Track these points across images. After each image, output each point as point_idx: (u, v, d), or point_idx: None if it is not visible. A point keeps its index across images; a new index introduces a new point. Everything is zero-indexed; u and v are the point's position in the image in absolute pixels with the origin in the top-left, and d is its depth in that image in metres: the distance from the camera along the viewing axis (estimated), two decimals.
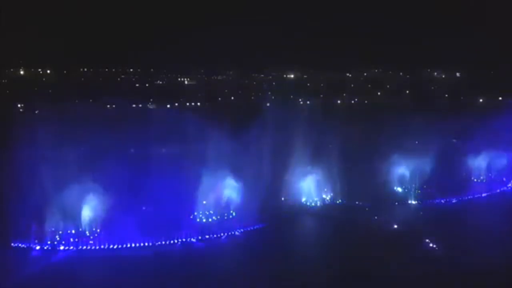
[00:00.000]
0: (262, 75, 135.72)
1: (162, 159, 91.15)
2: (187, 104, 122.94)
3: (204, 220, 75.29)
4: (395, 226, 74.15)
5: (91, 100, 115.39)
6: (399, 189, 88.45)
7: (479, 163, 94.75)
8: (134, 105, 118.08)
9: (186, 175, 79.62)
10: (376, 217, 77.32)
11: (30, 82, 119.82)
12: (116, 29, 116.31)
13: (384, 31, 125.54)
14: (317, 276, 58.49)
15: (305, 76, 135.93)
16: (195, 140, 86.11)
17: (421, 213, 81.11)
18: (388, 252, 64.06)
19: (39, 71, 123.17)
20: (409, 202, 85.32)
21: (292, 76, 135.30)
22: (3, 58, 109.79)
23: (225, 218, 75.87)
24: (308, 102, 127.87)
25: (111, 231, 68.50)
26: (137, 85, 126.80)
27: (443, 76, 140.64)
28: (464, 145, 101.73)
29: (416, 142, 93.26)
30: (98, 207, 70.33)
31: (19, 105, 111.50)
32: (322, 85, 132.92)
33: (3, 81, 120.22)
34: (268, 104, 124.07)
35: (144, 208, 77.00)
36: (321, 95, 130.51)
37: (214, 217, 75.92)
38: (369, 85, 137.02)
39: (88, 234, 69.03)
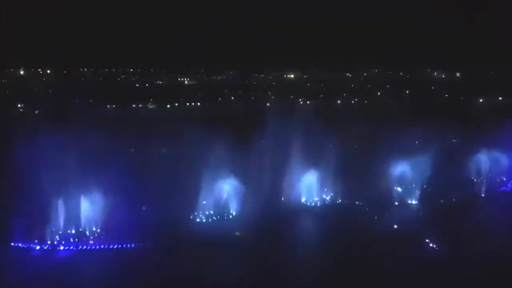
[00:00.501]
0: (262, 75, 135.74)
1: (161, 159, 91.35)
2: (187, 104, 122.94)
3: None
4: (395, 226, 74.15)
5: (91, 100, 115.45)
6: (399, 189, 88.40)
7: (479, 163, 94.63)
8: (134, 105, 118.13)
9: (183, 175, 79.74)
10: (376, 217, 77.38)
11: (30, 82, 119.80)
12: (116, 29, 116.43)
13: (384, 31, 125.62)
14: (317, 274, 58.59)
15: (305, 76, 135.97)
16: (194, 140, 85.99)
17: (421, 213, 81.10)
18: (388, 252, 64.04)
19: (39, 71, 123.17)
20: (409, 202, 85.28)
21: (292, 76, 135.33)
22: (3, 58, 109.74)
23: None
24: (308, 102, 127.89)
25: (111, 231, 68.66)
26: (137, 85, 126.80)
27: (443, 76, 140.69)
28: (464, 145, 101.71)
29: (416, 142, 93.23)
30: (97, 207, 70.32)
31: (19, 105, 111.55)
32: (322, 85, 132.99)
33: (3, 81, 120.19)
34: (268, 104, 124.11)
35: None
36: (321, 95, 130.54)
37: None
38: (369, 85, 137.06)
39: (88, 234, 69.09)
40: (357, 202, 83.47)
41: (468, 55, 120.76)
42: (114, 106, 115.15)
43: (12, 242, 65.83)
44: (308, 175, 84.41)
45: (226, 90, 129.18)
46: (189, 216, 75.63)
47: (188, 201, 76.36)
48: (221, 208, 77.82)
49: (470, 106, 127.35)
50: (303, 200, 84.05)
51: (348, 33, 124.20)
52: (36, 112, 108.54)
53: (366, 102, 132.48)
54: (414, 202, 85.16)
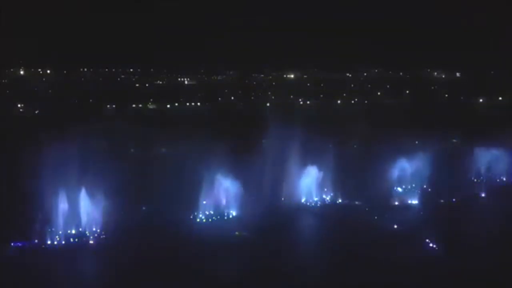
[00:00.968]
0: (262, 75, 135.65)
1: (161, 159, 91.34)
2: (187, 104, 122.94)
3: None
4: (395, 226, 74.14)
5: (91, 100, 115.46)
6: (399, 189, 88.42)
7: (479, 163, 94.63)
8: (134, 105, 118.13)
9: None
10: (376, 217, 77.34)
11: (30, 82, 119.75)
12: (116, 29, 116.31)
13: (384, 31, 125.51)
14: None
15: (305, 76, 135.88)
16: (194, 140, 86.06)
17: (421, 213, 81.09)
18: (388, 252, 64.01)
19: (39, 71, 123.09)
20: (409, 202, 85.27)
21: (292, 76, 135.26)
22: (3, 58, 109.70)
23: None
24: (308, 102, 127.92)
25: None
26: (137, 85, 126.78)
27: (443, 76, 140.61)
28: (464, 145, 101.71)
29: (416, 142, 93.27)
30: (97, 207, 70.33)
31: (19, 105, 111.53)
32: (322, 85, 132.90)
33: (3, 81, 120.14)
34: (268, 104, 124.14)
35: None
36: (321, 95, 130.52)
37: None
38: (369, 85, 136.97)
39: (88, 234, 69.07)
40: (357, 202, 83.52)
41: (468, 55, 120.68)
42: (114, 106, 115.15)
43: (12, 242, 65.69)
44: (308, 175, 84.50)
45: (226, 90, 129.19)
46: (189, 216, 75.68)
47: (188, 201, 76.44)
48: (221, 208, 77.87)
49: (470, 106, 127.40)
50: (303, 200, 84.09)
51: (348, 33, 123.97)
52: (36, 112, 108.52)
53: (366, 102, 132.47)
54: (414, 202, 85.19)
